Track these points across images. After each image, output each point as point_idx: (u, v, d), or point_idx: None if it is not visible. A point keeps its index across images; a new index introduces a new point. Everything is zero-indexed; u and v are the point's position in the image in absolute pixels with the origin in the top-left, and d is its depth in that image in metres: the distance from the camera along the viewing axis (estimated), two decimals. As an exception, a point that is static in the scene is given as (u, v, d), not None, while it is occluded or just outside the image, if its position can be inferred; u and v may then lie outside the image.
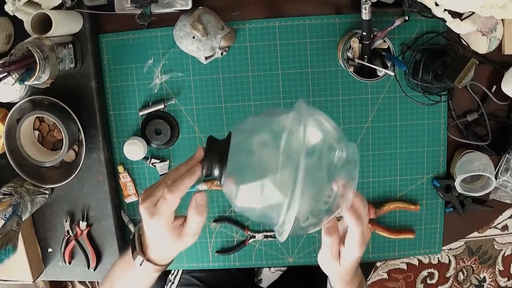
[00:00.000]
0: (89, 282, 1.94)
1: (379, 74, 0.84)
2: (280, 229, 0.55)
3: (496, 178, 0.93)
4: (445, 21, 0.76)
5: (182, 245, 0.63)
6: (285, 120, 0.54)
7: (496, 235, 1.92)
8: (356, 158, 0.56)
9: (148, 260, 0.64)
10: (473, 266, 1.94)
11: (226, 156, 0.54)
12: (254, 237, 0.99)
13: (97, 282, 1.93)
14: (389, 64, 0.84)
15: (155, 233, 0.62)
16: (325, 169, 0.54)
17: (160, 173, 0.96)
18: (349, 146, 0.56)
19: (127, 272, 0.67)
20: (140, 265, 0.64)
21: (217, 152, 0.55)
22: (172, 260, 0.67)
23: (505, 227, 1.91)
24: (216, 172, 0.56)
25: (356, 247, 0.62)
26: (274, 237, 0.99)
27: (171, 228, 0.60)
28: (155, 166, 0.96)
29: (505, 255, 1.94)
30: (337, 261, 0.65)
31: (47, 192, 0.95)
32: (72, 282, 1.96)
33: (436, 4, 0.75)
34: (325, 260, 0.66)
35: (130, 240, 0.67)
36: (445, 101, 0.91)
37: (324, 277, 1.19)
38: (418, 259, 1.92)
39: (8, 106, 0.89)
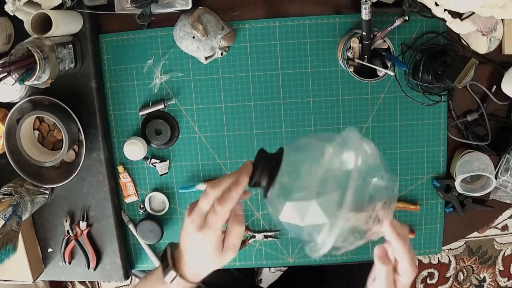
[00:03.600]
0: (89, 282, 1.94)
1: (379, 74, 0.84)
2: (315, 247, 0.56)
3: (496, 178, 0.93)
4: (445, 21, 0.76)
5: (221, 261, 0.61)
6: (336, 145, 0.55)
7: (496, 235, 1.92)
8: (395, 188, 0.57)
9: (181, 276, 0.61)
10: (473, 266, 1.94)
11: (277, 169, 0.55)
12: (254, 237, 0.99)
13: (97, 282, 1.93)
14: (389, 64, 0.84)
15: (198, 248, 0.60)
16: (367, 193, 0.56)
17: (160, 173, 0.96)
18: (389, 176, 0.57)
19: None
20: (171, 282, 0.61)
21: (267, 164, 0.56)
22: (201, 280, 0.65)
23: (505, 227, 1.91)
24: (263, 183, 0.57)
25: (407, 271, 0.59)
26: (274, 237, 0.99)
27: (217, 242, 0.59)
28: (155, 166, 0.96)
29: (505, 255, 1.94)
30: None
31: (47, 192, 0.95)
32: (72, 282, 1.96)
33: (436, 4, 0.75)
34: None
35: (159, 257, 0.65)
36: (445, 101, 0.91)
37: (325, 277, 1.19)
38: (418, 259, 1.92)
39: (8, 106, 0.89)
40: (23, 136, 0.89)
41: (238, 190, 0.57)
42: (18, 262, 0.95)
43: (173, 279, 0.61)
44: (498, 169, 0.94)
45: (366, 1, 0.75)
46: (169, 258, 0.63)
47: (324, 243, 0.54)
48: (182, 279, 0.62)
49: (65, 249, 0.99)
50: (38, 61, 0.76)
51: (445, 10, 0.75)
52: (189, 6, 0.84)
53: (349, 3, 0.90)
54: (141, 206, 0.98)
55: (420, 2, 0.77)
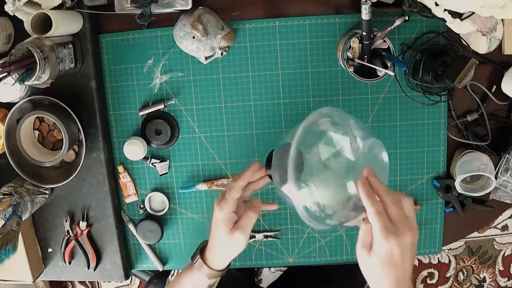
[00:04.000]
0: (89, 282, 1.94)
1: (379, 74, 0.84)
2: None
3: (496, 178, 0.93)
4: (445, 21, 0.76)
5: (231, 240, 0.72)
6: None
7: (496, 235, 1.92)
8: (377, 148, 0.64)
9: (203, 260, 0.75)
10: (473, 266, 1.94)
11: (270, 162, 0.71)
12: (254, 237, 0.99)
13: (97, 282, 1.93)
14: (389, 64, 0.84)
15: (214, 224, 0.73)
16: (342, 164, 0.62)
17: (160, 173, 0.96)
18: (369, 141, 0.63)
19: (183, 276, 0.77)
20: (194, 263, 0.75)
21: (268, 158, 0.72)
22: (223, 270, 0.76)
23: (505, 227, 1.91)
24: (268, 173, 0.72)
25: (377, 235, 0.57)
26: (274, 237, 0.99)
27: (229, 218, 0.71)
28: (155, 166, 0.96)
29: (505, 255, 1.94)
30: (367, 252, 0.60)
31: (47, 192, 0.95)
32: (72, 282, 1.96)
33: (436, 4, 0.75)
34: (357, 251, 0.61)
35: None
36: (445, 101, 0.91)
37: (325, 277, 1.19)
38: (418, 259, 1.92)
39: (8, 106, 0.89)
40: (23, 136, 0.89)
41: (249, 171, 0.72)
42: (18, 262, 0.95)
43: (196, 260, 0.75)
44: (498, 169, 0.94)
45: (366, 1, 0.75)
46: (199, 248, 0.77)
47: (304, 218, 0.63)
48: (204, 264, 0.74)
49: (65, 249, 0.99)
50: (38, 61, 0.76)
51: (445, 10, 0.75)
52: (189, 6, 0.84)
53: (349, 3, 0.90)
54: (141, 206, 0.98)
55: (420, 2, 0.77)
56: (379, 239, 0.58)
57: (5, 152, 0.88)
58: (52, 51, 0.79)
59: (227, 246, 0.73)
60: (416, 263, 1.92)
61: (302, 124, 0.62)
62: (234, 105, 0.94)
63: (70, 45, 0.85)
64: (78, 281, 1.94)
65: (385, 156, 0.64)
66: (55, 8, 0.83)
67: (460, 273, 1.94)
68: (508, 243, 1.92)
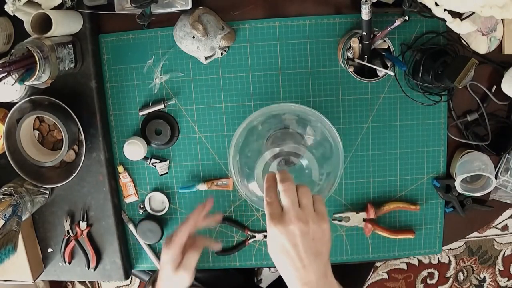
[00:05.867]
0: (89, 282, 1.94)
1: (379, 74, 0.84)
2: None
3: (496, 178, 0.93)
4: (445, 21, 0.76)
5: (176, 277, 0.78)
6: None
7: (496, 235, 1.92)
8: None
9: None
10: (473, 266, 1.94)
11: None
12: (254, 237, 0.99)
13: (97, 282, 1.93)
14: (389, 64, 0.84)
15: (162, 261, 0.80)
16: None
17: (160, 173, 0.96)
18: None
19: None
20: None
21: None
22: None
23: (505, 227, 1.92)
24: None
25: (267, 223, 0.62)
26: (274, 237, 0.99)
27: (175, 259, 0.78)
28: (155, 166, 0.96)
29: (505, 255, 1.94)
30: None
31: (47, 192, 0.95)
32: (72, 282, 1.96)
33: (436, 4, 0.75)
34: None
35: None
36: (445, 101, 0.91)
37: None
38: (418, 259, 1.92)
39: (8, 106, 0.89)
40: (23, 136, 0.89)
41: (192, 217, 0.80)
42: (18, 262, 0.95)
43: None
44: (498, 169, 0.94)
45: (366, 1, 0.75)
46: (151, 280, 0.85)
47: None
48: None
49: (65, 249, 0.99)
50: (38, 61, 0.76)
51: (445, 10, 0.75)
52: (189, 6, 0.84)
53: (349, 3, 0.90)
54: (141, 206, 0.98)
55: (420, 2, 0.77)
56: (267, 227, 0.62)
57: (5, 152, 0.88)
58: (52, 51, 0.79)
59: (173, 284, 0.80)
60: (416, 263, 1.92)
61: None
62: (234, 105, 0.94)
63: (70, 45, 0.85)
64: (78, 281, 1.94)
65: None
66: (55, 8, 0.83)
67: (460, 273, 1.94)
68: (508, 243, 1.92)
